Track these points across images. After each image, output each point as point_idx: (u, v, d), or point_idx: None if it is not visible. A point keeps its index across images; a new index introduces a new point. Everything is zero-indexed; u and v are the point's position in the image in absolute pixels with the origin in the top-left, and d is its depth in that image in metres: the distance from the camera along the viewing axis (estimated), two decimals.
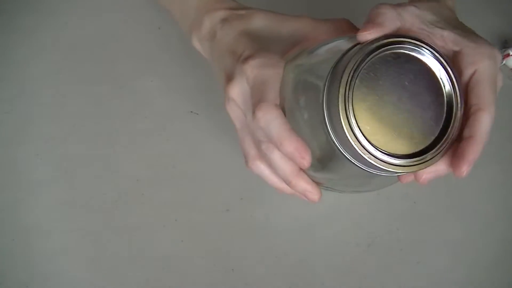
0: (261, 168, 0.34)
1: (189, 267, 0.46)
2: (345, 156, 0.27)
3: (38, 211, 0.49)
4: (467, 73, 0.29)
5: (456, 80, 0.27)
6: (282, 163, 0.31)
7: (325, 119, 0.27)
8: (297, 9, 0.47)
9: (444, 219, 0.48)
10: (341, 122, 0.25)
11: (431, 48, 0.27)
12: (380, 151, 0.26)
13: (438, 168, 0.28)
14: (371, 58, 0.26)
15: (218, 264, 0.46)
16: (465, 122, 0.28)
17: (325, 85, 0.26)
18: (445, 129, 0.27)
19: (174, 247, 0.47)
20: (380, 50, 0.26)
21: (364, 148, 0.25)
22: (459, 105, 0.27)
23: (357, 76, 0.25)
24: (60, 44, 0.56)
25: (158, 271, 0.46)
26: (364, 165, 0.27)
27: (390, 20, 0.28)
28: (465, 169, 0.27)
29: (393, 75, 0.26)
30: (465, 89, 0.29)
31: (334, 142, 0.27)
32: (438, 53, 0.27)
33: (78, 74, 0.55)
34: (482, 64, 0.29)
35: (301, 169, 0.32)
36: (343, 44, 0.30)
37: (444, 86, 0.27)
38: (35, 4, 0.58)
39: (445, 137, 0.27)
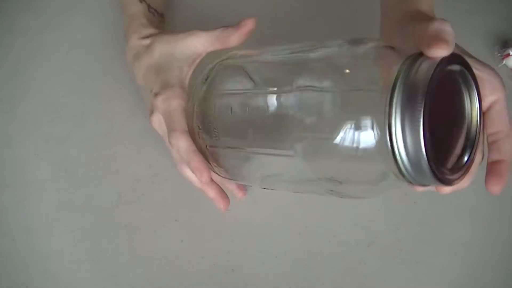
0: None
1: (189, 267, 0.46)
2: (396, 162, 0.27)
3: (38, 211, 0.49)
4: (489, 99, 0.31)
5: (481, 110, 0.30)
6: (193, 178, 0.41)
7: (391, 128, 0.26)
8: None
9: (445, 219, 0.48)
10: (419, 134, 0.25)
11: (474, 76, 0.30)
12: (436, 165, 0.27)
13: (461, 184, 0.31)
14: (439, 74, 0.27)
15: (218, 264, 0.46)
16: (491, 145, 0.32)
17: (393, 95, 0.27)
18: (469, 148, 0.30)
19: (174, 247, 0.47)
20: (446, 68, 0.28)
21: (430, 161, 0.26)
22: (481, 130, 0.31)
23: (432, 91, 0.26)
24: (60, 44, 0.56)
25: (158, 271, 0.46)
26: (422, 178, 0.27)
27: (453, 40, 0.29)
28: (501, 188, 0.31)
29: (445, 92, 0.28)
30: (485, 112, 0.32)
31: (395, 152, 0.27)
32: (476, 81, 0.30)
33: (78, 74, 0.55)
34: (502, 93, 0.32)
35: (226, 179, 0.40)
36: (334, 52, 0.31)
37: (471, 111, 0.30)
38: (35, 4, 0.58)
39: (471, 156, 0.30)
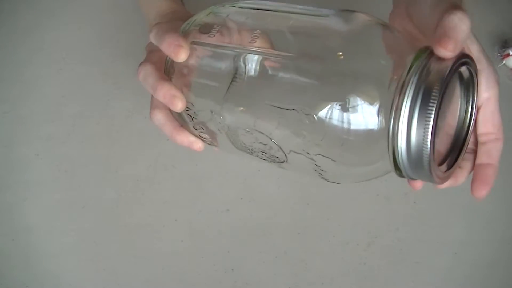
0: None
1: (189, 267, 0.46)
2: (394, 153, 0.27)
3: (38, 211, 0.49)
4: (484, 96, 0.31)
5: (475, 120, 0.31)
6: (162, 124, 0.35)
7: (399, 118, 0.26)
8: None
9: (444, 219, 0.48)
10: (428, 132, 0.25)
11: (476, 84, 0.30)
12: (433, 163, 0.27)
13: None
14: (453, 74, 0.27)
15: (218, 264, 0.46)
16: (481, 146, 0.31)
17: (406, 90, 0.26)
18: (455, 152, 0.31)
19: (174, 247, 0.47)
20: (457, 68, 0.27)
21: (432, 159, 0.26)
22: (470, 135, 0.31)
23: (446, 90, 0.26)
24: (60, 44, 0.56)
25: (158, 271, 0.46)
26: (415, 172, 0.27)
27: (465, 36, 0.28)
28: (485, 193, 0.31)
29: (451, 92, 0.28)
30: (478, 110, 0.31)
31: (396, 143, 0.27)
32: (477, 91, 0.30)
33: (78, 74, 0.55)
34: (495, 90, 0.31)
35: (183, 127, 0.35)
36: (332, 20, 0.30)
37: (464, 117, 0.31)
38: (35, 4, 0.58)
39: (459, 157, 0.30)
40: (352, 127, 0.28)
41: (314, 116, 0.28)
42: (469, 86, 0.30)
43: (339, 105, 0.27)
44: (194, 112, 0.34)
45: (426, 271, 0.46)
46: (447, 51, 0.26)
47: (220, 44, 0.32)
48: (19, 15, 0.58)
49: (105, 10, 0.57)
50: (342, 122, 0.28)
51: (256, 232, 0.48)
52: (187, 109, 0.33)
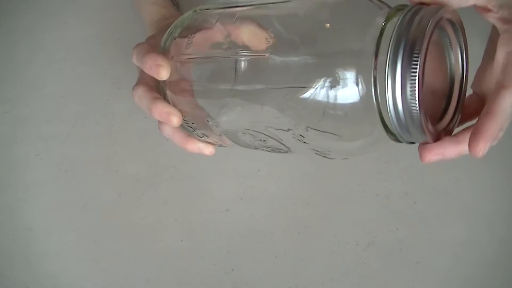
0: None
1: (189, 267, 0.46)
2: (381, 116, 0.26)
3: (38, 211, 0.49)
4: (504, 50, 0.27)
5: (467, 66, 0.29)
6: (171, 136, 0.36)
7: (386, 75, 0.25)
8: None
9: (444, 219, 0.48)
10: (415, 83, 0.24)
11: (461, 30, 0.28)
12: (425, 118, 0.25)
13: (444, 151, 0.27)
14: (436, 25, 0.25)
15: (218, 264, 0.46)
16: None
17: (379, 43, 0.25)
18: (449, 104, 0.29)
19: (174, 247, 0.47)
20: (441, 18, 0.26)
21: (420, 111, 0.24)
22: (465, 86, 0.29)
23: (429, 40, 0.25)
24: (60, 44, 0.56)
25: (158, 271, 0.46)
26: (410, 133, 0.26)
27: None
28: (481, 147, 0.25)
29: (435, 43, 0.27)
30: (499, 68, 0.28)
31: (387, 105, 0.25)
32: (464, 37, 0.29)
33: (78, 74, 0.55)
34: None
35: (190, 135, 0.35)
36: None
37: (455, 66, 0.29)
38: (35, 4, 0.58)
39: (456, 111, 0.28)
40: (343, 101, 0.27)
41: (307, 95, 0.27)
42: (456, 36, 0.28)
43: (329, 81, 0.26)
44: (192, 123, 0.34)
45: (426, 271, 0.46)
46: None
47: (198, 56, 0.32)
48: (19, 15, 0.58)
49: (105, 10, 0.57)
50: (334, 98, 0.27)
51: (256, 232, 0.48)
52: (185, 121, 0.34)
